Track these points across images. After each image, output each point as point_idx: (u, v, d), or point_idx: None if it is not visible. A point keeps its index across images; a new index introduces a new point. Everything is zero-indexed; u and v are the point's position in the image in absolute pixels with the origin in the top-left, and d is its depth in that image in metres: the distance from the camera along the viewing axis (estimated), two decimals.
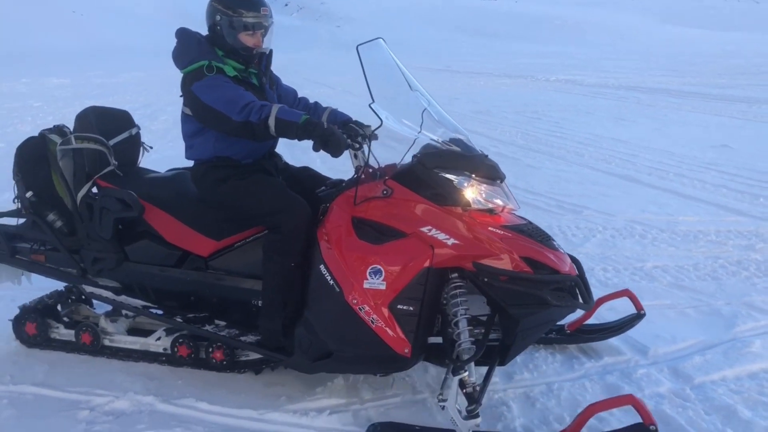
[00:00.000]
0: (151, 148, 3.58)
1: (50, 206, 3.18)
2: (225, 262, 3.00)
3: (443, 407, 2.51)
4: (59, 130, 3.18)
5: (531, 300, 2.49)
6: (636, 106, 14.05)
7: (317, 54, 41.10)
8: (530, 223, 2.76)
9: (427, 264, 2.50)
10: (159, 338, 3.22)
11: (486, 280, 2.51)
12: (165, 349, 3.21)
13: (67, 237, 3.19)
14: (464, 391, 2.49)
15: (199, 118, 2.86)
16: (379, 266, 2.53)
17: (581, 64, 29.93)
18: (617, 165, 7.94)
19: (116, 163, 3.14)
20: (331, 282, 2.61)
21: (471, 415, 2.41)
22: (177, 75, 2.94)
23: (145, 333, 3.32)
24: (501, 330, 2.69)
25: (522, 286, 2.49)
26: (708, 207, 6.13)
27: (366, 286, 2.54)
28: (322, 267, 2.64)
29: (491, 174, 2.68)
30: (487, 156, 2.78)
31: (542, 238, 2.64)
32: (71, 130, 3.20)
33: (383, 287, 2.52)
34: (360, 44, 2.71)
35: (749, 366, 3.25)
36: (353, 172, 2.88)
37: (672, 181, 7.11)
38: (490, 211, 2.63)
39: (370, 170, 2.81)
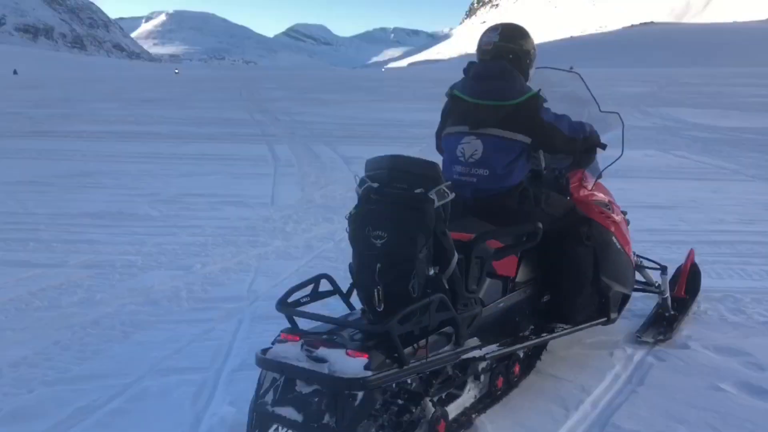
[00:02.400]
0: None
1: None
2: (522, 274, 3.13)
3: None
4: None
5: None
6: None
7: None
8: None
9: None
10: (470, 389, 2.91)
11: None
12: (482, 390, 2.98)
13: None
14: None
15: (544, 144, 3.15)
16: (622, 227, 3.58)
17: None
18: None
19: None
20: (618, 246, 3.41)
21: None
22: None
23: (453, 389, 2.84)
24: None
25: None
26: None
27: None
28: (613, 238, 3.39)
29: None
30: None
31: None
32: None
33: (629, 237, 3.66)
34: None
35: None
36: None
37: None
38: None
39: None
